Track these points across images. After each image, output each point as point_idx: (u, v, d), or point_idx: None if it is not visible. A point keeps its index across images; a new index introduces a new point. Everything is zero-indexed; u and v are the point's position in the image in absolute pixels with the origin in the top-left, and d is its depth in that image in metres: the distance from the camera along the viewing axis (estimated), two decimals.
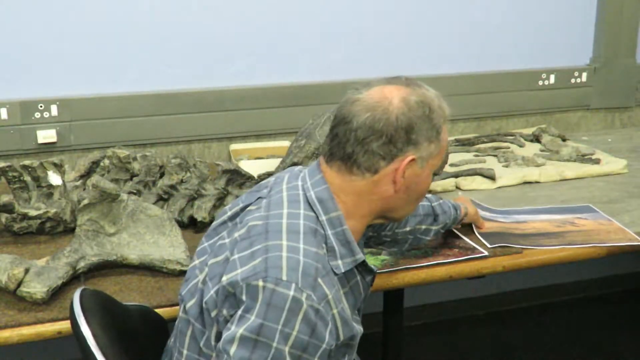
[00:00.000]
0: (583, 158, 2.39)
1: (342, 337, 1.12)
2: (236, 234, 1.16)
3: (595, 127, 2.94)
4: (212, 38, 2.36)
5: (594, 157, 2.40)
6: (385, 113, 1.15)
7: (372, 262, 1.64)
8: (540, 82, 2.79)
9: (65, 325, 1.37)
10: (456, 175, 2.17)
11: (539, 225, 1.87)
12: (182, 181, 1.88)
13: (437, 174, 1.91)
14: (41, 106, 2.19)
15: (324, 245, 1.14)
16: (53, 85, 2.22)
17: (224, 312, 1.09)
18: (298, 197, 1.18)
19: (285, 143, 2.45)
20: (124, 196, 1.63)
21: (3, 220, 1.78)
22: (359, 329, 1.19)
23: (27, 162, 1.80)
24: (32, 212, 1.76)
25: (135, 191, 1.85)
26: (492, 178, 2.18)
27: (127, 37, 2.27)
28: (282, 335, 1.02)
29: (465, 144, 2.56)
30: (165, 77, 2.34)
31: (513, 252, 1.70)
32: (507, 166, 2.32)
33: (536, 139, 2.61)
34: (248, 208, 1.22)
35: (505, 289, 3.08)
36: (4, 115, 2.17)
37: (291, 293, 1.03)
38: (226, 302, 1.09)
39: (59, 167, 1.84)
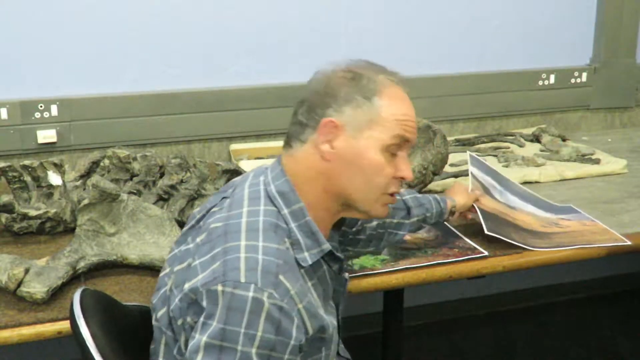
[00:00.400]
0: (583, 158, 2.39)
1: (311, 331, 1.09)
2: (198, 239, 1.15)
3: (595, 127, 2.94)
4: (212, 38, 2.36)
5: (594, 157, 2.40)
6: (312, 83, 1.19)
7: (372, 262, 1.64)
8: (540, 82, 2.79)
9: (65, 325, 1.37)
10: (456, 175, 2.17)
11: (526, 219, 1.87)
12: (182, 181, 1.88)
13: (436, 173, 1.90)
14: (41, 106, 2.19)
15: (286, 239, 1.12)
16: (53, 85, 2.22)
17: (189, 319, 1.07)
18: (259, 193, 1.17)
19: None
20: (124, 196, 1.63)
21: (3, 220, 1.78)
22: (329, 320, 1.16)
23: (27, 162, 1.80)
24: (32, 212, 1.76)
25: (135, 191, 1.85)
26: None
27: (127, 37, 2.26)
28: (247, 337, 1.00)
29: (465, 144, 2.56)
30: (165, 77, 2.34)
31: (513, 252, 1.70)
32: (507, 166, 2.32)
33: (536, 139, 2.61)
34: (212, 210, 1.20)
35: (505, 289, 3.08)
36: (4, 115, 2.17)
37: (250, 294, 1.01)
38: (190, 309, 1.07)
39: (59, 167, 1.84)
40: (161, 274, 1.21)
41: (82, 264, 1.55)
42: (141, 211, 1.65)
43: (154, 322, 1.19)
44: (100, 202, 1.60)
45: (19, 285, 1.44)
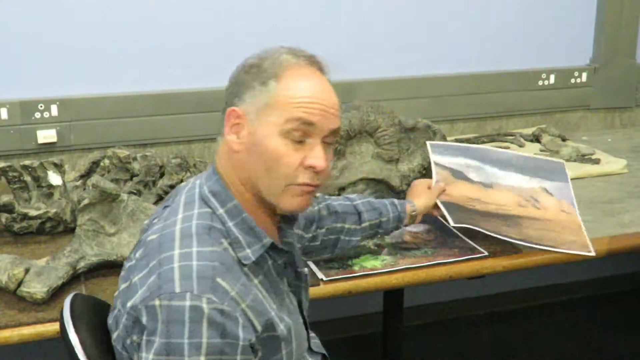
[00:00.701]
0: (583, 158, 2.39)
1: (259, 328, 1.07)
2: (137, 254, 1.12)
3: (595, 127, 2.94)
4: (212, 38, 2.36)
5: (594, 157, 2.40)
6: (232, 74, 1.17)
7: (372, 262, 1.64)
8: (540, 82, 2.79)
9: None
10: None
11: (503, 197, 1.82)
12: (182, 181, 1.88)
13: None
14: (41, 106, 2.19)
15: (223, 240, 1.09)
16: (53, 85, 2.22)
17: (135, 338, 1.05)
18: (194, 196, 1.14)
19: None
20: (124, 196, 1.63)
21: (3, 220, 1.78)
22: (281, 317, 1.13)
23: (27, 162, 1.81)
24: (32, 212, 1.76)
25: (135, 191, 1.85)
26: None
27: (127, 37, 2.26)
28: (193, 347, 0.98)
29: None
30: (165, 77, 2.34)
31: (513, 252, 1.70)
32: None
33: (536, 139, 2.61)
34: (153, 221, 1.17)
35: (505, 289, 3.08)
36: (4, 115, 2.17)
37: (187, 303, 0.99)
38: (135, 328, 1.05)
39: (59, 167, 1.84)
40: (115, 294, 1.17)
41: (82, 264, 1.55)
42: (141, 211, 1.65)
43: (113, 343, 1.15)
44: (100, 202, 1.60)
45: (19, 285, 1.44)
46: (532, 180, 1.88)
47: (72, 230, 1.73)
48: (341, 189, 1.85)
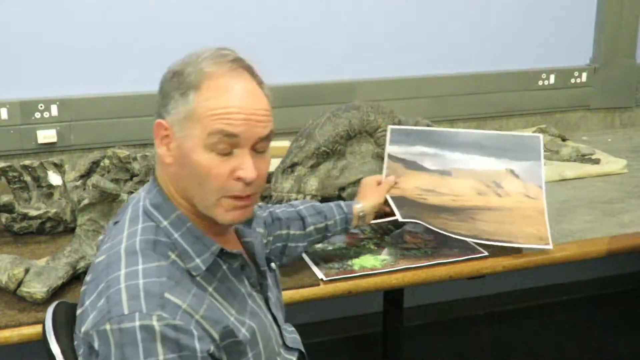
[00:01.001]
0: (583, 158, 2.39)
1: (217, 337, 1.05)
2: (88, 277, 1.10)
3: (595, 127, 2.94)
4: (212, 38, 2.35)
5: (594, 157, 2.40)
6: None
7: (372, 262, 1.64)
8: (540, 82, 2.79)
9: None
10: None
11: (461, 185, 1.75)
12: None
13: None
14: (41, 106, 2.19)
15: (170, 253, 1.07)
16: (53, 85, 2.22)
17: None
18: (138, 211, 1.11)
19: (285, 143, 2.44)
20: (124, 196, 1.63)
21: (3, 220, 1.78)
22: (242, 320, 1.11)
23: (27, 162, 1.81)
24: (32, 212, 1.76)
25: (135, 191, 1.85)
26: None
27: (127, 37, 2.26)
28: None
29: None
30: None
31: (513, 252, 1.70)
32: None
33: None
34: (105, 240, 1.15)
35: (505, 289, 3.08)
36: (4, 115, 2.17)
37: (137, 324, 0.97)
38: (92, 354, 1.01)
39: (59, 167, 1.84)
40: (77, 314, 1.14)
41: (82, 264, 1.55)
42: None
43: None
44: (100, 202, 1.60)
45: (19, 285, 1.44)
46: (499, 161, 1.79)
47: (72, 230, 1.73)
48: (341, 189, 1.85)
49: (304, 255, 1.65)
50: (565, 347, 2.83)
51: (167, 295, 1.01)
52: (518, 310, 3.09)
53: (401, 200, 1.68)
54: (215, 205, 1.09)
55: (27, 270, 1.46)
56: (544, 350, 2.82)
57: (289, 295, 1.52)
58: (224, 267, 1.14)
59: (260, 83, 1.15)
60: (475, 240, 1.66)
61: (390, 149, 1.78)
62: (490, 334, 2.95)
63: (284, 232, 1.49)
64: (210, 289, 1.09)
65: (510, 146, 1.80)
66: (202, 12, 2.33)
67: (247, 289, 1.18)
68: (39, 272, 1.47)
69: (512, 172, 1.78)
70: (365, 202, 1.62)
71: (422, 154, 1.78)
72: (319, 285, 1.55)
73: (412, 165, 1.78)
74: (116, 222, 1.15)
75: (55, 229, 1.80)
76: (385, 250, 1.70)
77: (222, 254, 1.13)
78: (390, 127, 1.81)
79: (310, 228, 1.53)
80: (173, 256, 1.07)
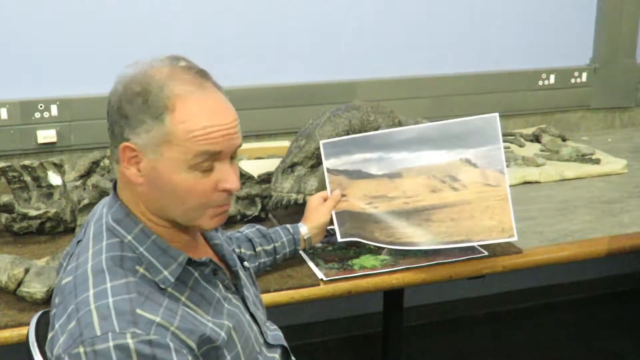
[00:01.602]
0: (583, 158, 2.39)
1: (194, 346, 1.03)
2: (56, 298, 1.07)
3: (595, 127, 2.94)
4: (212, 38, 2.36)
5: (594, 157, 2.40)
6: (112, 96, 1.09)
7: (372, 262, 1.64)
8: (540, 82, 2.79)
9: None
10: None
11: (413, 186, 1.64)
12: None
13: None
14: (41, 106, 2.19)
15: (137, 267, 1.05)
16: (53, 85, 2.22)
17: None
18: (101, 227, 1.09)
19: (285, 143, 2.45)
20: None
21: (3, 220, 1.78)
22: (217, 323, 1.09)
23: (27, 162, 1.81)
24: (32, 212, 1.76)
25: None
26: None
27: (127, 37, 2.26)
28: None
29: None
30: None
31: (513, 252, 1.70)
32: (507, 166, 2.32)
33: (536, 139, 2.62)
34: (69, 260, 1.12)
35: (505, 289, 3.08)
36: (4, 115, 2.17)
37: (111, 344, 0.95)
38: None
39: (59, 167, 1.84)
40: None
41: None
42: None
43: None
44: None
45: (19, 285, 1.44)
46: (452, 152, 1.64)
47: (72, 230, 1.73)
48: None
49: (304, 255, 1.65)
50: (566, 347, 2.83)
51: (138, 311, 0.99)
52: (518, 310, 3.10)
53: (345, 216, 1.65)
54: (200, 216, 1.10)
55: (27, 270, 1.46)
56: (544, 350, 2.82)
57: (289, 295, 1.52)
58: (196, 274, 1.12)
59: (220, 89, 1.13)
60: (429, 247, 1.60)
61: (327, 163, 1.71)
62: (490, 334, 2.95)
63: (237, 250, 1.48)
64: (183, 299, 1.08)
65: (462, 133, 1.64)
66: (201, 12, 2.33)
67: (222, 292, 1.17)
68: (39, 272, 1.47)
69: (467, 161, 1.63)
70: (309, 224, 1.62)
71: (365, 161, 1.69)
72: (319, 285, 1.55)
73: (356, 174, 1.69)
74: (79, 241, 1.12)
75: (55, 229, 1.80)
76: (385, 250, 1.69)
77: (191, 262, 1.11)
78: (321, 142, 1.73)
79: (259, 249, 1.52)
80: (141, 270, 1.06)
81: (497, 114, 1.62)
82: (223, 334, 1.09)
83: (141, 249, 1.07)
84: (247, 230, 1.56)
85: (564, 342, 2.87)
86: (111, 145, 1.10)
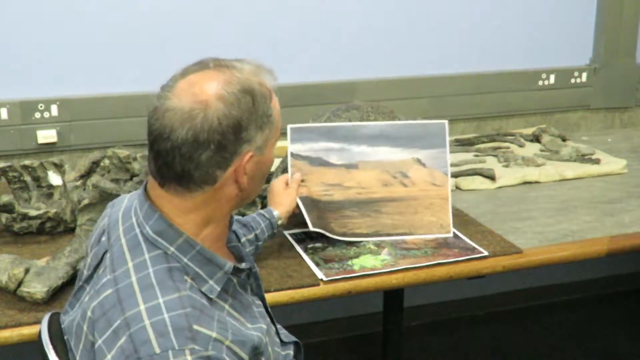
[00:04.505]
0: (583, 158, 2.39)
1: (247, 358, 1.04)
2: (89, 312, 1.04)
3: (595, 127, 2.94)
4: (212, 38, 2.36)
5: (593, 157, 2.40)
6: (206, 121, 1.02)
7: (372, 262, 1.64)
8: (540, 82, 2.79)
9: None
10: (456, 175, 2.17)
11: (367, 178, 1.77)
12: None
13: None
14: (41, 106, 2.19)
15: (185, 277, 1.04)
16: (53, 85, 2.22)
17: None
18: (137, 238, 1.07)
19: (285, 143, 2.44)
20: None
21: (3, 220, 1.78)
22: (258, 329, 1.11)
23: (27, 162, 1.81)
24: (32, 212, 1.76)
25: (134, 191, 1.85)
26: (492, 178, 2.18)
27: (127, 37, 2.27)
28: None
29: (465, 144, 2.56)
30: (165, 77, 2.33)
31: (513, 252, 1.70)
32: (507, 166, 2.32)
33: (536, 139, 2.62)
34: (97, 269, 1.10)
35: (505, 289, 3.08)
36: (4, 115, 2.17)
37: None
38: None
39: (59, 167, 1.84)
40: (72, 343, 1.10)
41: (82, 264, 1.54)
42: None
43: None
44: (100, 202, 1.60)
45: (19, 285, 1.44)
46: (406, 151, 1.80)
47: (72, 230, 1.73)
48: None
49: (304, 255, 1.65)
50: (566, 347, 2.83)
51: (195, 327, 0.98)
52: (518, 310, 3.09)
53: (309, 203, 1.70)
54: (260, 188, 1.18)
55: (27, 270, 1.46)
56: (544, 350, 2.82)
57: (289, 295, 1.52)
58: (234, 281, 1.13)
59: None
60: (375, 239, 1.70)
61: (292, 147, 1.77)
62: (490, 334, 2.95)
63: (252, 235, 1.52)
64: (227, 307, 1.09)
65: (417, 135, 1.81)
66: (201, 13, 2.33)
67: (250, 295, 1.18)
68: (39, 272, 1.47)
69: (418, 160, 1.80)
70: (280, 208, 1.65)
71: (327, 150, 1.79)
72: (319, 285, 1.55)
73: (317, 162, 1.78)
74: (105, 252, 1.10)
75: (55, 229, 1.80)
76: (385, 250, 1.70)
77: (234, 270, 1.12)
78: (289, 126, 1.77)
79: (243, 239, 1.53)
80: (189, 280, 1.04)
81: (446, 121, 1.82)
82: (264, 338, 1.11)
83: (185, 260, 1.06)
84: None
85: (564, 342, 2.87)
86: (201, 166, 1.05)
